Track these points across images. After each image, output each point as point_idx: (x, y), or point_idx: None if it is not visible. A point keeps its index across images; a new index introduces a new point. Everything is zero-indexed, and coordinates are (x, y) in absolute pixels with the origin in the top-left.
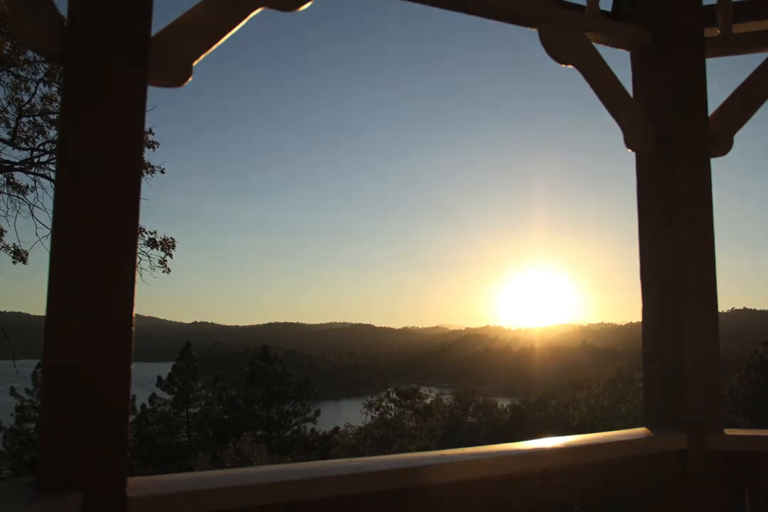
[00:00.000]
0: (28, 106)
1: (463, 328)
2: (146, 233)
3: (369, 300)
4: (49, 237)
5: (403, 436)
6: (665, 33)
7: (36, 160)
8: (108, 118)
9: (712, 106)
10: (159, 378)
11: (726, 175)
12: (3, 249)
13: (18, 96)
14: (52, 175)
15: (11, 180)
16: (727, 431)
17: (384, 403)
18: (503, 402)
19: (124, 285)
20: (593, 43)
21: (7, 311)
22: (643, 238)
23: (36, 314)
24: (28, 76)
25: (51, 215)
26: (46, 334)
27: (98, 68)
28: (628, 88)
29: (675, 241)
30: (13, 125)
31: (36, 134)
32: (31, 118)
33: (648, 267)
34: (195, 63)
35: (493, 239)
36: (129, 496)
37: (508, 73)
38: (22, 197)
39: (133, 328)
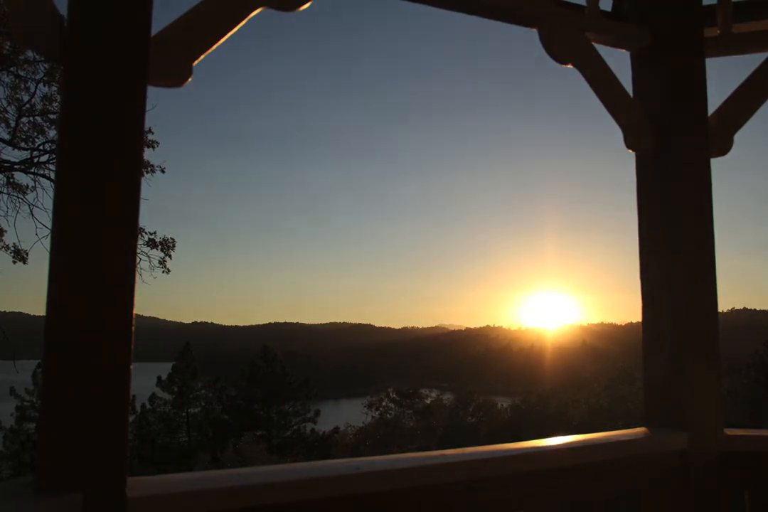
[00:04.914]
0: (28, 106)
1: (463, 328)
2: (146, 233)
3: (369, 300)
4: (49, 237)
5: (403, 436)
6: (665, 33)
7: (36, 160)
8: (108, 117)
9: (712, 106)
10: (159, 378)
11: (726, 175)
12: (3, 249)
13: (18, 96)
14: (52, 175)
15: (11, 180)
16: (727, 431)
17: (384, 403)
18: (503, 402)
19: (124, 285)
20: (593, 43)
21: (7, 311)
22: (642, 238)
23: (36, 314)
24: (28, 76)
25: (51, 215)
26: (46, 334)
27: (98, 68)
28: (628, 88)
29: (675, 241)
30: (13, 125)
31: (36, 134)
32: (31, 118)
33: (648, 267)
34: (195, 63)
35: (494, 239)
36: (129, 496)
37: (504, 72)
38: (22, 197)
39: (133, 328)
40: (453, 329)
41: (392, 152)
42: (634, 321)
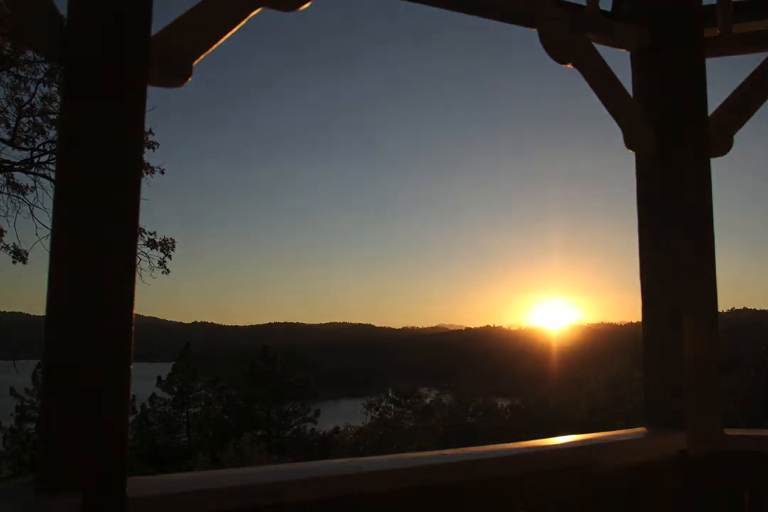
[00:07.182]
0: (28, 106)
1: (463, 328)
2: (146, 233)
3: (369, 300)
4: (49, 237)
5: (403, 436)
6: (665, 33)
7: (36, 160)
8: (108, 118)
9: (712, 106)
10: (159, 378)
11: (726, 175)
12: (3, 249)
13: (18, 96)
14: (52, 175)
15: (11, 180)
16: (727, 431)
17: (384, 403)
18: (503, 402)
19: (124, 285)
20: (593, 43)
21: (7, 311)
22: (642, 238)
23: (36, 314)
24: (28, 76)
25: (51, 215)
26: (46, 334)
27: (98, 68)
28: (628, 88)
29: (675, 241)
30: (13, 125)
31: (36, 134)
32: (31, 118)
33: (648, 267)
34: (195, 63)
35: (494, 239)
36: (129, 496)
37: (505, 72)
38: (22, 197)
39: (133, 328)
40: (453, 329)
41: (391, 152)
42: (634, 321)
